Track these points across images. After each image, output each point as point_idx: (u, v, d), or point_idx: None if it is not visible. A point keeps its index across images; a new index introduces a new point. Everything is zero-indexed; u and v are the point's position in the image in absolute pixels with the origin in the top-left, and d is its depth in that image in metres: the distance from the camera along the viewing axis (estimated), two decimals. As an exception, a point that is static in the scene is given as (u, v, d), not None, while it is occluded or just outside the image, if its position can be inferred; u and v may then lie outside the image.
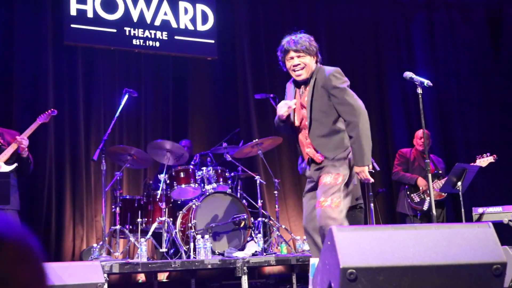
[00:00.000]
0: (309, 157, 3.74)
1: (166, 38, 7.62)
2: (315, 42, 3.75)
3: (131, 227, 6.04)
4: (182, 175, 6.13)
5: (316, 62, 3.72)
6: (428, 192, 6.10)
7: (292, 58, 3.69)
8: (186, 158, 6.31)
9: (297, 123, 3.79)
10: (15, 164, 5.04)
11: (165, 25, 7.66)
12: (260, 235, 5.81)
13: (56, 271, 3.91)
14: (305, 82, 3.73)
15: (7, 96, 6.82)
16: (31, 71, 6.95)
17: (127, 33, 7.41)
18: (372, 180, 3.75)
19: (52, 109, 5.52)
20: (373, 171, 5.78)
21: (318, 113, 3.63)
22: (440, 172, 6.42)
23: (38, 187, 6.69)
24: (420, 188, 6.33)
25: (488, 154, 6.11)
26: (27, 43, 6.98)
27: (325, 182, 3.52)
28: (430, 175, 4.32)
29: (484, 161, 6.08)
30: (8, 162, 5.01)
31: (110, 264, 4.75)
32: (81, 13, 7.20)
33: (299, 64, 3.66)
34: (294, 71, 3.70)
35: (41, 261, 0.92)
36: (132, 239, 5.80)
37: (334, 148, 3.62)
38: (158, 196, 5.95)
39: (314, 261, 3.57)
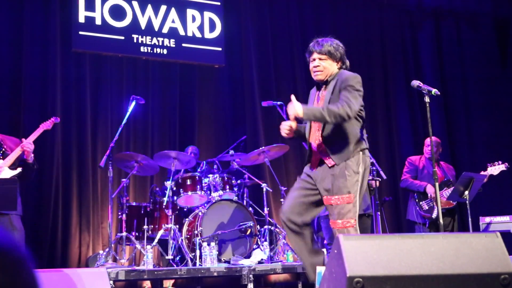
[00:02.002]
0: (319, 162, 3.74)
1: (174, 46, 7.65)
2: (342, 48, 3.82)
3: (137, 234, 6.05)
4: (188, 182, 6.14)
5: (340, 67, 3.79)
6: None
7: (314, 59, 3.77)
8: (194, 163, 6.32)
9: (315, 125, 3.79)
10: (19, 169, 5.06)
11: (172, 33, 7.69)
12: (266, 243, 5.80)
13: (62, 277, 3.91)
14: (325, 84, 3.78)
15: (16, 101, 6.86)
16: (39, 77, 6.99)
17: (135, 41, 7.44)
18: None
19: (55, 117, 5.56)
20: (380, 180, 5.78)
21: None
22: (450, 180, 6.39)
23: (45, 193, 6.71)
24: (429, 195, 6.30)
25: (500, 162, 6.08)
26: (36, 49, 7.02)
27: (336, 203, 3.57)
28: (437, 184, 4.30)
29: (495, 169, 6.05)
30: (11, 167, 5.03)
31: (116, 271, 4.75)
32: (90, 20, 7.25)
33: (318, 66, 3.74)
34: (313, 71, 3.78)
35: (33, 270, 0.93)
36: (138, 246, 5.80)
37: (345, 152, 3.62)
38: (165, 203, 5.95)
39: (320, 270, 3.56)
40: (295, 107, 3.53)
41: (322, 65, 3.73)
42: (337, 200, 3.58)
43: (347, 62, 3.84)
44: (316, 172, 3.73)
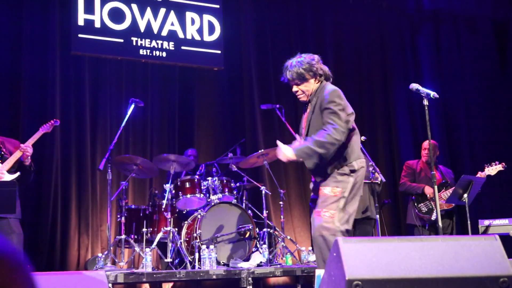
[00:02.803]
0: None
1: (173, 48, 7.65)
2: (315, 61, 3.81)
3: (136, 236, 6.04)
4: (187, 185, 6.13)
5: (319, 81, 3.82)
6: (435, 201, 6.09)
7: (292, 86, 3.88)
8: (193, 165, 6.32)
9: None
10: (18, 173, 5.05)
11: (172, 36, 7.70)
12: (265, 246, 5.79)
13: (61, 280, 3.90)
14: (310, 101, 3.87)
15: (15, 104, 6.86)
16: (38, 80, 6.99)
17: (134, 43, 7.45)
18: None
19: (55, 119, 5.55)
20: (379, 183, 5.79)
21: (314, 132, 3.71)
22: (448, 182, 6.39)
23: (44, 196, 6.70)
24: (428, 195, 6.31)
25: (497, 162, 6.09)
26: (35, 52, 7.02)
27: (324, 194, 3.65)
28: (436, 187, 4.31)
29: (493, 169, 6.06)
30: (10, 171, 5.02)
31: (115, 274, 4.74)
32: (89, 23, 7.25)
33: (297, 91, 3.86)
34: (296, 96, 3.92)
35: (31, 274, 0.93)
36: (137, 249, 5.79)
37: (326, 169, 3.69)
38: (164, 206, 5.95)
39: (319, 273, 3.56)
40: (284, 152, 3.61)
41: (300, 89, 3.82)
42: (324, 190, 3.65)
43: (325, 70, 3.85)
44: (314, 187, 3.88)
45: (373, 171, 5.77)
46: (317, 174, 3.76)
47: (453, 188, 5.99)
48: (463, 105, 9.07)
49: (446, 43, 9.27)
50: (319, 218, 3.58)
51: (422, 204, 6.36)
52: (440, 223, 4.30)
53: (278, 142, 3.69)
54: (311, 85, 3.81)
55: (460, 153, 8.84)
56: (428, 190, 6.29)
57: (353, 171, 3.68)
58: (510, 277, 2.61)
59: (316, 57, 3.86)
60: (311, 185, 3.97)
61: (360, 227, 5.96)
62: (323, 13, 8.72)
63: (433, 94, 4.24)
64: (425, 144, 6.60)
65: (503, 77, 9.26)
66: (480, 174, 6.07)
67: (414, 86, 4.38)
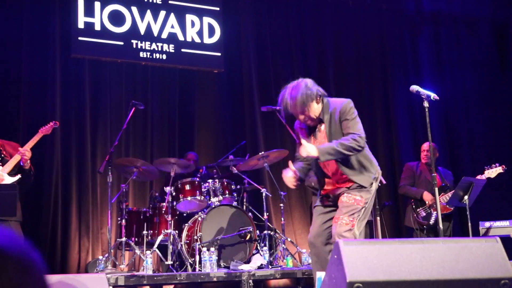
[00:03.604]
0: (331, 184, 3.89)
1: (173, 51, 7.66)
2: (311, 84, 3.80)
3: (136, 239, 6.04)
4: (188, 187, 6.13)
5: (321, 100, 3.82)
6: (434, 206, 6.08)
7: (298, 117, 3.86)
8: (193, 168, 6.33)
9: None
10: (18, 176, 5.05)
11: (172, 38, 7.70)
12: (265, 248, 5.79)
13: (62, 283, 3.90)
14: (320, 121, 3.86)
15: (15, 106, 6.86)
16: (38, 82, 7.00)
17: (134, 46, 7.45)
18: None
19: (54, 121, 5.54)
20: (380, 185, 5.78)
21: None
22: (447, 185, 6.38)
23: (44, 198, 6.70)
24: (426, 202, 6.30)
25: (497, 164, 6.08)
26: (35, 55, 7.02)
27: (346, 201, 3.69)
28: (436, 189, 4.31)
29: (493, 172, 6.05)
30: (10, 173, 5.02)
31: (116, 277, 4.74)
32: (89, 26, 7.25)
33: (304, 119, 3.83)
34: (305, 123, 3.88)
35: (44, 274, 0.93)
36: (137, 251, 5.79)
37: (366, 177, 3.78)
38: (164, 209, 5.95)
39: (320, 275, 3.56)
40: (308, 149, 3.62)
41: (307, 116, 3.79)
42: (348, 199, 3.70)
43: (321, 90, 3.84)
44: (329, 196, 3.89)
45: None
46: (354, 178, 3.77)
47: (453, 191, 5.99)
48: (463, 107, 9.07)
49: (446, 44, 9.27)
50: (340, 226, 3.62)
51: (421, 208, 6.36)
52: (441, 225, 4.30)
53: (303, 141, 3.70)
54: (314, 109, 3.79)
55: (460, 155, 8.84)
56: (426, 197, 6.28)
57: (375, 178, 3.81)
58: (511, 279, 2.61)
59: (310, 80, 3.86)
60: (321, 195, 3.95)
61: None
62: (323, 15, 8.72)
63: (433, 96, 4.24)
64: (425, 146, 6.59)
65: (503, 78, 9.26)
66: (480, 177, 6.07)
67: (415, 88, 4.38)
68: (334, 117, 3.76)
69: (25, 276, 0.88)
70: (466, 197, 5.70)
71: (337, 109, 3.76)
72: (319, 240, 3.83)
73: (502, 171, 6.08)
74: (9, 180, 4.95)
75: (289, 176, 3.83)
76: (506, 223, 5.63)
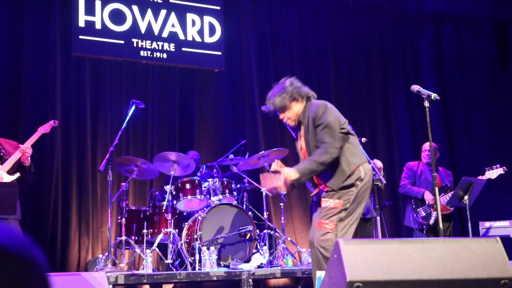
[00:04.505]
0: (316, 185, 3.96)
1: (174, 50, 7.66)
2: (293, 87, 3.85)
3: (136, 238, 6.04)
4: (188, 186, 6.13)
5: (302, 101, 3.86)
6: (434, 206, 6.08)
7: (278, 115, 3.95)
8: (193, 168, 6.32)
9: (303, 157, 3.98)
10: (18, 174, 5.04)
11: (172, 37, 7.70)
12: (265, 247, 5.79)
13: (62, 281, 3.91)
14: (300, 123, 3.92)
15: (15, 105, 6.87)
16: (39, 81, 7.00)
17: (135, 45, 7.45)
18: (283, 191, 3.86)
19: (53, 120, 5.55)
20: (380, 184, 5.78)
21: (314, 149, 3.77)
22: (447, 185, 6.38)
23: (44, 197, 6.71)
24: (427, 202, 6.30)
25: (498, 165, 6.08)
26: (36, 53, 7.03)
27: (325, 206, 3.70)
28: (437, 189, 4.30)
29: (493, 173, 6.05)
30: (9, 172, 5.02)
31: (116, 275, 4.75)
32: (90, 24, 7.26)
33: (283, 118, 3.93)
34: (286, 123, 3.98)
35: (45, 272, 0.92)
36: (137, 250, 5.79)
37: (336, 179, 3.73)
38: (164, 207, 5.95)
39: (320, 274, 3.57)
40: (286, 175, 3.65)
41: (286, 115, 3.88)
42: (326, 203, 3.70)
43: (306, 91, 3.88)
44: (317, 198, 3.97)
45: (373, 173, 5.76)
46: (326, 182, 3.77)
47: (453, 192, 5.99)
48: (463, 107, 9.07)
49: (447, 44, 9.27)
50: (319, 230, 3.65)
51: (421, 208, 6.36)
52: (441, 225, 4.30)
53: (277, 164, 3.78)
54: (296, 108, 3.86)
55: (460, 155, 8.85)
56: (427, 196, 6.28)
57: (359, 179, 3.71)
58: (511, 279, 2.61)
59: (290, 80, 3.90)
60: (313, 195, 4.05)
61: (362, 228, 5.95)
62: (323, 14, 8.72)
63: (434, 95, 4.24)
64: (425, 146, 6.59)
65: (504, 79, 9.26)
66: (480, 178, 6.07)
67: (415, 87, 4.37)
68: (310, 122, 3.77)
69: (26, 274, 0.87)
70: (466, 197, 5.70)
71: (310, 114, 3.76)
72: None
73: (502, 172, 6.08)
74: (8, 178, 4.95)
75: (280, 184, 3.82)
76: (506, 223, 5.63)
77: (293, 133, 4.44)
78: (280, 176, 3.75)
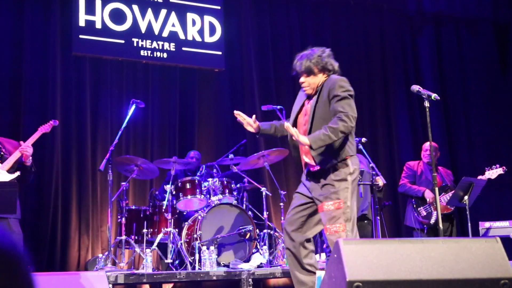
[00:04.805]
0: (305, 163, 3.87)
1: (174, 50, 7.66)
2: (325, 56, 3.85)
3: (136, 237, 6.04)
4: (188, 186, 6.13)
5: (327, 75, 3.85)
6: (435, 205, 6.08)
7: (299, 77, 3.89)
8: (195, 164, 6.34)
9: (300, 129, 3.86)
10: (18, 173, 5.05)
11: (172, 37, 7.70)
12: (265, 247, 5.79)
13: (61, 281, 3.91)
14: (316, 93, 3.87)
15: (16, 104, 6.87)
16: (39, 80, 7.00)
17: (135, 44, 7.45)
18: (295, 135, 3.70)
19: (53, 120, 5.55)
20: (380, 184, 5.78)
21: (319, 120, 3.73)
22: (448, 185, 6.38)
23: (44, 196, 6.71)
24: (427, 200, 6.30)
25: (498, 165, 6.07)
26: (36, 53, 7.03)
27: (327, 209, 3.64)
28: (437, 189, 4.30)
29: (493, 173, 6.04)
30: (9, 171, 5.02)
31: (115, 275, 4.74)
32: (90, 24, 7.26)
33: (303, 83, 3.88)
34: (302, 88, 3.92)
35: (29, 271, 0.92)
36: (137, 249, 5.79)
37: (330, 157, 3.68)
38: (164, 207, 5.95)
39: (320, 274, 3.57)
40: (300, 140, 3.58)
41: (308, 81, 3.85)
42: (328, 206, 3.65)
43: (335, 65, 3.89)
44: (309, 182, 3.83)
45: (373, 173, 5.75)
46: (317, 159, 3.73)
47: (453, 191, 5.99)
48: (464, 107, 9.07)
49: (447, 45, 9.27)
50: (333, 235, 3.58)
51: (421, 208, 6.35)
52: (441, 225, 4.30)
53: (291, 128, 3.64)
54: (318, 79, 3.84)
55: (461, 155, 8.85)
56: (428, 195, 6.27)
57: (349, 173, 3.69)
58: (511, 279, 2.61)
59: (327, 50, 3.90)
60: (303, 177, 3.92)
61: (360, 228, 5.95)
62: (324, 15, 8.72)
63: (434, 96, 4.24)
64: (426, 145, 6.58)
65: (504, 79, 9.26)
66: (480, 178, 6.06)
67: (415, 87, 4.38)
68: (324, 93, 3.76)
69: (11, 273, 0.87)
70: (466, 197, 5.70)
71: (328, 86, 3.75)
72: (294, 230, 3.83)
73: (502, 172, 6.07)
74: (7, 177, 4.95)
75: (249, 119, 3.89)
76: (506, 223, 5.63)
77: (282, 117, 4.45)
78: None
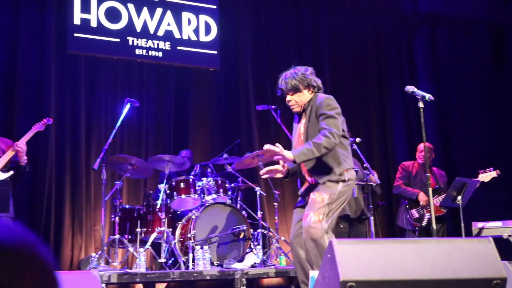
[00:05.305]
0: (305, 180, 4.02)
1: (169, 48, 7.64)
2: (309, 73, 4.02)
3: (130, 237, 6.02)
4: (182, 185, 6.12)
5: (312, 92, 4.01)
6: (428, 207, 6.09)
7: (286, 96, 4.04)
8: (188, 165, 6.32)
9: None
10: (11, 172, 5.03)
11: (168, 36, 7.69)
12: (259, 247, 5.79)
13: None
14: (304, 112, 4.02)
15: (10, 102, 6.84)
16: (34, 78, 6.98)
17: (130, 43, 7.43)
18: (279, 175, 3.97)
19: (47, 118, 5.54)
20: (374, 184, 5.79)
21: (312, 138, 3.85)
22: (441, 187, 6.39)
23: (38, 195, 6.69)
24: (421, 202, 6.31)
25: (491, 169, 6.09)
26: (31, 51, 7.00)
27: (313, 199, 3.80)
28: (430, 189, 4.31)
29: (486, 176, 6.06)
30: (2, 169, 5.00)
31: (109, 274, 4.73)
32: (85, 22, 7.24)
33: (290, 101, 4.03)
34: (290, 107, 4.07)
35: (48, 268, 0.89)
36: (131, 249, 5.78)
37: (326, 173, 3.84)
38: (158, 206, 5.94)
39: (313, 274, 3.57)
40: (284, 155, 3.73)
41: (294, 99, 4.00)
42: (314, 196, 3.80)
43: (318, 82, 4.05)
44: (305, 190, 4.00)
45: (367, 172, 5.76)
46: (315, 175, 3.88)
47: (446, 193, 6.00)
48: (459, 108, 9.09)
49: (442, 45, 9.29)
50: (307, 221, 3.72)
51: (414, 210, 6.36)
52: (434, 225, 4.31)
53: (277, 146, 3.79)
54: (304, 96, 3.98)
55: (455, 156, 8.86)
56: (422, 198, 6.28)
57: (343, 180, 3.83)
58: (504, 279, 2.62)
59: (310, 69, 4.07)
60: (301, 191, 4.07)
61: (356, 228, 5.97)
62: (320, 15, 8.73)
63: (428, 96, 4.26)
64: (421, 146, 6.58)
65: (499, 80, 9.28)
66: (474, 179, 6.07)
67: (410, 88, 4.40)
68: (313, 111, 3.88)
69: (23, 269, 0.84)
70: (459, 197, 5.71)
71: (316, 106, 3.87)
72: (295, 241, 3.96)
73: (496, 175, 6.09)
74: (0, 176, 4.93)
75: (277, 167, 4.00)
76: (499, 223, 5.64)
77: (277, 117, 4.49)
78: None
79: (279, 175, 4.06)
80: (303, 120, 3.98)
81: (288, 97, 4.01)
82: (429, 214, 6.05)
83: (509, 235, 5.42)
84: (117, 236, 5.81)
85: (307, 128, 3.90)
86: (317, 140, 3.69)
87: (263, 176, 4.12)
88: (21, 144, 5.05)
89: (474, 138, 8.97)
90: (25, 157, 5.09)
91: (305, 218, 3.77)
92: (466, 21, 9.42)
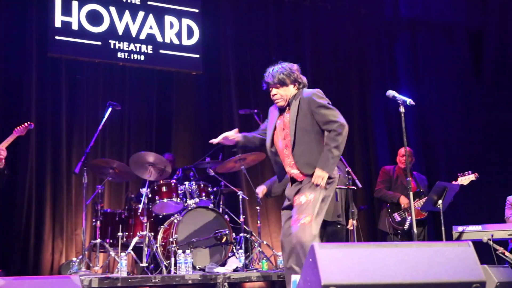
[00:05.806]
0: (291, 177, 4.04)
1: (151, 52, 7.62)
2: (295, 69, 4.10)
3: (111, 241, 5.99)
4: (164, 189, 6.10)
5: (297, 88, 4.08)
6: (409, 210, 6.14)
7: (271, 89, 4.09)
8: (169, 173, 6.28)
9: (279, 144, 4.07)
10: (-10, 176, 4.98)
11: (150, 39, 7.66)
12: (241, 251, 5.78)
13: (34, 285, 3.85)
14: (288, 106, 4.07)
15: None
16: (14, 82, 6.92)
17: (112, 46, 7.40)
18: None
19: (29, 123, 5.49)
20: (355, 188, 5.81)
21: (301, 131, 3.94)
22: (422, 190, 6.44)
23: (18, 199, 6.62)
24: (402, 205, 6.35)
25: (470, 172, 6.15)
26: (11, 53, 6.94)
27: (299, 202, 3.83)
28: (411, 193, 4.36)
29: (465, 179, 6.12)
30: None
31: (90, 279, 4.69)
32: (66, 25, 7.18)
33: (276, 95, 4.07)
34: (274, 100, 4.12)
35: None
36: (112, 253, 5.74)
37: (313, 166, 3.87)
38: (140, 210, 5.91)
39: (295, 278, 3.58)
40: (322, 179, 3.79)
41: (279, 93, 4.06)
42: (299, 199, 3.84)
43: (303, 79, 4.13)
44: (292, 188, 4.04)
45: (349, 177, 5.78)
46: (302, 168, 3.92)
47: (427, 197, 6.05)
48: (439, 112, 9.17)
49: (423, 50, 9.38)
50: (296, 226, 3.74)
51: (396, 213, 6.41)
52: (415, 229, 4.35)
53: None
54: (290, 91, 4.04)
55: (435, 159, 8.93)
56: (403, 201, 6.33)
57: (329, 177, 3.85)
58: (482, 283, 2.65)
59: (296, 65, 4.13)
60: (287, 191, 4.09)
61: (334, 233, 5.94)
62: (302, 19, 8.76)
63: (409, 101, 4.31)
64: (402, 151, 6.63)
65: (478, 83, 9.40)
66: (454, 183, 6.13)
67: (391, 93, 4.45)
68: (302, 105, 3.95)
69: None
70: (440, 201, 5.76)
71: (307, 98, 3.94)
72: (286, 240, 4.00)
73: (474, 178, 6.15)
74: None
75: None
76: (478, 227, 5.69)
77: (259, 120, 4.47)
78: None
79: (229, 143, 4.27)
80: (288, 114, 4.02)
81: (274, 91, 4.06)
82: (411, 217, 6.10)
83: (489, 239, 5.48)
84: (98, 240, 5.77)
85: (296, 119, 3.94)
86: (334, 143, 3.80)
87: (214, 142, 4.35)
88: (1, 148, 5.00)
89: (454, 141, 9.05)
90: (3, 161, 5.03)
91: (293, 223, 3.79)
92: (446, 26, 9.53)
